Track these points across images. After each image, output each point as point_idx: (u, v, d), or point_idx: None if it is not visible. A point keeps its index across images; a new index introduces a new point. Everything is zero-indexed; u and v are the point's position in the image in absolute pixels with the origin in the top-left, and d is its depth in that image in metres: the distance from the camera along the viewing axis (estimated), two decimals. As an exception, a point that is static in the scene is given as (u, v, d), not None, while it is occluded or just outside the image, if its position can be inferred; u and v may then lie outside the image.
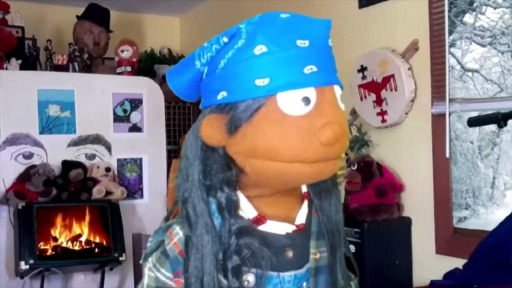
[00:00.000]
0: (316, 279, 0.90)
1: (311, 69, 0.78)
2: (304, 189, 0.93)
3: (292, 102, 0.78)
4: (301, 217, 0.90)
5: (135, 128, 3.05)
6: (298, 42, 0.78)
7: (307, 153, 0.78)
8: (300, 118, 0.78)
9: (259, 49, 0.78)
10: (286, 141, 0.78)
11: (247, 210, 0.87)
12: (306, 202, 0.92)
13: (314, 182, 0.87)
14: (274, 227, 0.87)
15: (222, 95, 0.81)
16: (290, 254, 0.87)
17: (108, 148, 2.97)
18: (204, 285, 0.82)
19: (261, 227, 0.86)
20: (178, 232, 0.87)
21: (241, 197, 0.87)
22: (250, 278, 0.84)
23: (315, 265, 0.90)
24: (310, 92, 0.78)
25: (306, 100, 0.78)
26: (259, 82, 0.78)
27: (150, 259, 0.90)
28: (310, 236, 0.90)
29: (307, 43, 0.79)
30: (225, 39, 0.82)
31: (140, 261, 0.95)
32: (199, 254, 0.83)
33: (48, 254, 2.56)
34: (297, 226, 0.88)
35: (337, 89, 0.82)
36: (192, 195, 0.85)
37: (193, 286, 0.83)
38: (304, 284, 0.89)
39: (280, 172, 0.81)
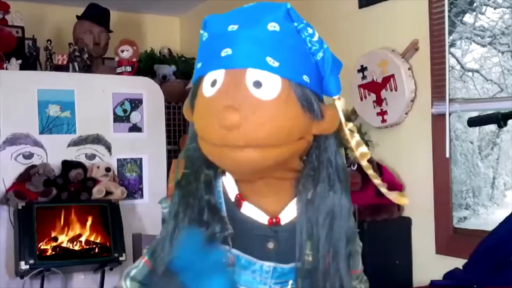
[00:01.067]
0: (305, 281, 0.87)
1: (226, 52, 0.78)
2: (302, 186, 0.90)
3: (206, 84, 0.81)
4: (287, 214, 0.88)
5: (135, 128, 3.05)
6: (229, 27, 0.80)
7: (209, 135, 0.80)
8: (208, 100, 0.80)
9: (204, 35, 0.85)
10: (200, 122, 0.82)
11: (231, 191, 0.90)
12: (294, 201, 0.89)
13: (238, 170, 0.84)
14: (252, 212, 0.88)
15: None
16: (271, 245, 0.87)
17: (108, 148, 2.97)
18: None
19: (243, 211, 0.88)
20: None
21: (230, 178, 0.91)
22: (230, 257, 0.86)
23: (307, 267, 0.87)
24: (219, 74, 0.79)
25: (214, 83, 0.79)
26: (198, 65, 0.84)
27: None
28: (294, 233, 0.88)
29: (235, 27, 0.80)
30: (202, 31, 0.87)
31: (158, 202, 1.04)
32: (176, 214, 0.89)
33: (48, 254, 2.56)
34: (271, 218, 0.88)
35: (254, 72, 0.77)
36: (188, 152, 0.91)
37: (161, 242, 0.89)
38: (290, 282, 0.89)
39: (208, 155, 0.84)
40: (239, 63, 0.78)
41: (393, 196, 0.89)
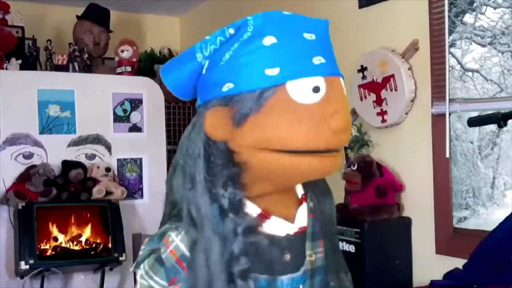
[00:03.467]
0: (312, 281, 0.89)
1: (319, 60, 0.80)
2: (301, 190, 0.93)
3: (302, 90, 0.79)
4: (301, 218, 0.90)
5: (135, 128, 3.05)
6: (305, 35, 0.81)
7: (319, 140, 0.79)
8: (311, 106, 0.79)
9: (269, 40, 0.79)
10: (299, 128, 0.78)
11: (250, 209, 0.85)
12: (305, 204, 0.91)
13: (321, 176, 0.89)
14: (278, 225, 0.86)
15: (227, 87, 0.80)
16: (288, 257, 0.87)
17: (108, 148, 2.97)
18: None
19: (265, 227, 0.85)
20: (173, 240, 0.84)
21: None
22: (250, 284, 0.81)
23: (311, 267, 0.89)
24: (320, 81, 0.80)
25: (316, 89, 0.79)
26: (269, 71, 0.78)
27: (142, 266, 0.87)
28: (305, 238, 0.89)
29: (313, 36, 0.81)
30: (231, 31, 0.82)
31: (131, 269, 0.91)
32: (206, 258, 0.80)
33: (48, 254, 2.56)
34: (299, 228, 0.89)
35: (341, 80, 0.85)
36: (197, 195, 0.82)
37: None
38: (301, 287, 0.89)
39: (289, 166, 0.80)
40: (334, 71, 0.83)
41: None
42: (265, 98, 0.78)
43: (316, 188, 0.94)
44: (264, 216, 0.85)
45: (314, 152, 0.80)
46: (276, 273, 0.86)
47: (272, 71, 0.78)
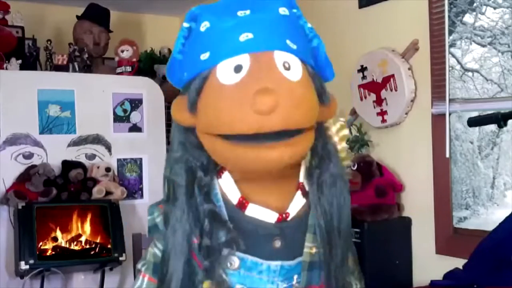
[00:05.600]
0: (309, 274, 0.88)
1: (247, 36, 0.75)
2: (301, 178, 0.89)
3: (225, 71, 0.76)
4: (293, 207, 0.87)
5: (135, 128, 3.05)
6: (239, 12, 0.77)
7: (242, 123, 0.73)
8: (232, 87, 0.75)
9: (204, 25, 0.79)
10: (223, 111, 0.76)
11: (231, 193, 0.86)
12: (299, 193, 0.88)
13: (263, 170, 0.80)
14: (258, 213, 0.85)
15: (184, 76, 0.83)
16: (278, 244, 0.86)
17: (108, 148, 2.97)
18: (170, 262, 0.84)
19: (247, 212, 0.85)
20: None
21: (228, 179, 0.87)
22: (235, 260, 0.84)
23: (310, 260, 0.88)
24: (243, 59, 0.75)
25: (238, 68, 0.75)
26: (203, 56, 0.78)
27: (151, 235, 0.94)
28: (305, 229, 0.88)
29: (247, 12, 0.77)
30: (186, 25, 0.83)
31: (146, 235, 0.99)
32: (174, 228, 0.85)
33: (48, 254, 2.56)
34: (280, 214, 0.86)
35: (281, 54, 0.76)
36: (170, 168, 0.87)
37: (165, 261, 0.85)
38: (295, 277, 0.88)
39: (229, 155, 0.79)
40: (264, 46, 0.76)
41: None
42: (201, 83, 0.79)
43: (323, 177, 0.87)
44: (241, 203, 0.85)
45: (248, 138, 0.74)
46: (263, 257, 0.85)
47: (205, 56, 0.78)
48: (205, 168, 0.85)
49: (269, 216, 0.85)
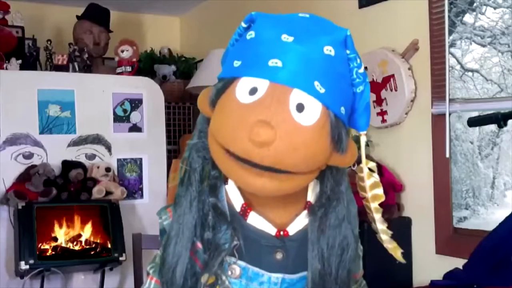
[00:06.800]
0: None
1: (276, 63, 0.74)
2: (309, 197, 0.89)
3: (242, 88, 0.76)
4: (295, 226, 0.86)
5: (135, 128, 3.05)
6: (283, 36, 0.75)
7: (234, 145, 0.74)
8: (242, 106, 0.75)
9: (250, 34, 0.79)
10: (226, 126, 0.76)
11: (236, 200, 0.86)
12: (304, 213, 0.87)
13: (257, 193, 0.79)
14: (259, 223, 0.85)
15: (221, 72, 0.84)
16: (279, 255, 0.85)
17: (108, 148, 2.97)
18: (176, 246, 0.84)
19: (249, 221, 0.85)
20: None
21: (233, 186, 0.86)
22: (236, 268, 0.84)
23: (317, 277, 0.85)
24: (262, 84, 0.74)
25: (253, 91, 0.74)
26: (235, 63, 0.78)
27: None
28: (307, 244, 0.86)
29: (290, 39, 0.75)
30: (244, 25, 0.82)
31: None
32: (184, 212, 0.84)
33: (48, 254, 2.56)
34: (278, 231, 0.84)
35: (300, 94, 0.74)
36: (188, 153, 0.86)
37: (169, 241, 0.85)
38: None
39: (226, 169, 0.79)
40: (287, 79, 0.73)
41: (392, 245, 0.92)
42: (224, 86, 0.79)
43: (327, 217, 0.85)
44: (243, 210, 0.85)
45: (240, 158, 0.74)
46: (265, 268, 0.85)
47: (237, 63, 0.78)
48: (213, 161, 0.84)
49: (268, 229, 0.85)
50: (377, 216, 0.88)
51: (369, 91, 0.84)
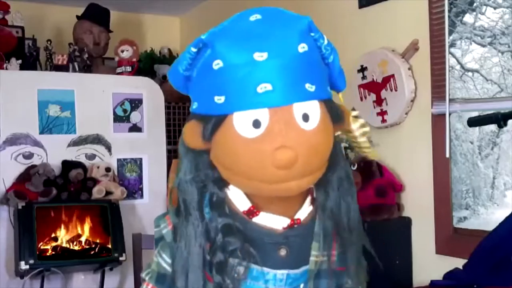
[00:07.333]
0: (316, 282, 0.88)
1: (265, 87, 0.72)
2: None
3: (244, 124, 0.75)
4: (301, 214, 0.87)
5: (135, 128, 3.05)
6: (256, 55, 0.72)
7: (263, 176, 0.76)
8: (252, 141, 0.75)
9: (216, 63, 0.75)
10: (242, 162, 0.76)
11: (240, 203, 0.86)
12: (309, 199, 0.88)
13: (284, 196, 0.82)
14: (269, 220, 0.85)
15: (195, 105, 0.81)
16: (283, 252, 0.86)
17: (108, 148, 2.97)
18: (189, 276, 0.84)
19: (255, 220, 0.85)
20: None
21: (236, 190, 0.86)
22: (241, 270, 0.84)
23: (316, 268, 0.87)
24: (262, 114, 0.74)
25: (257, 123, 0.74)
26: (217, 99, 0.75)
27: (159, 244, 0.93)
28: (311, 237, 0.87)
29: (265, 55, 0.72)
30: (193, 49, 0.79)
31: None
32: (185, 244, 0.84)
33: (48, 254, 2.56)
34: (292, 220, 0.85)
35: (300, 106, 0.75)
36: (182, 187, 0.85)
37: (178, 274, 0.85)
38: (302, 286, 0.88)
39: (242, 185, 0.82)
40: (283, 100, 0.73)
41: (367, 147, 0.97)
42: (216, 124, 0.78)
43: (329, 180, 0.87)
44: (251, 211, 0.85)
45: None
46: (268, 266, 0.85)
47: (220, 99, 0.75)
48: (218, 182, 0.85)
49: (280, 222, 0.85)
50: (362, 139, 0.95)
51: (338, 57, 0.84)
